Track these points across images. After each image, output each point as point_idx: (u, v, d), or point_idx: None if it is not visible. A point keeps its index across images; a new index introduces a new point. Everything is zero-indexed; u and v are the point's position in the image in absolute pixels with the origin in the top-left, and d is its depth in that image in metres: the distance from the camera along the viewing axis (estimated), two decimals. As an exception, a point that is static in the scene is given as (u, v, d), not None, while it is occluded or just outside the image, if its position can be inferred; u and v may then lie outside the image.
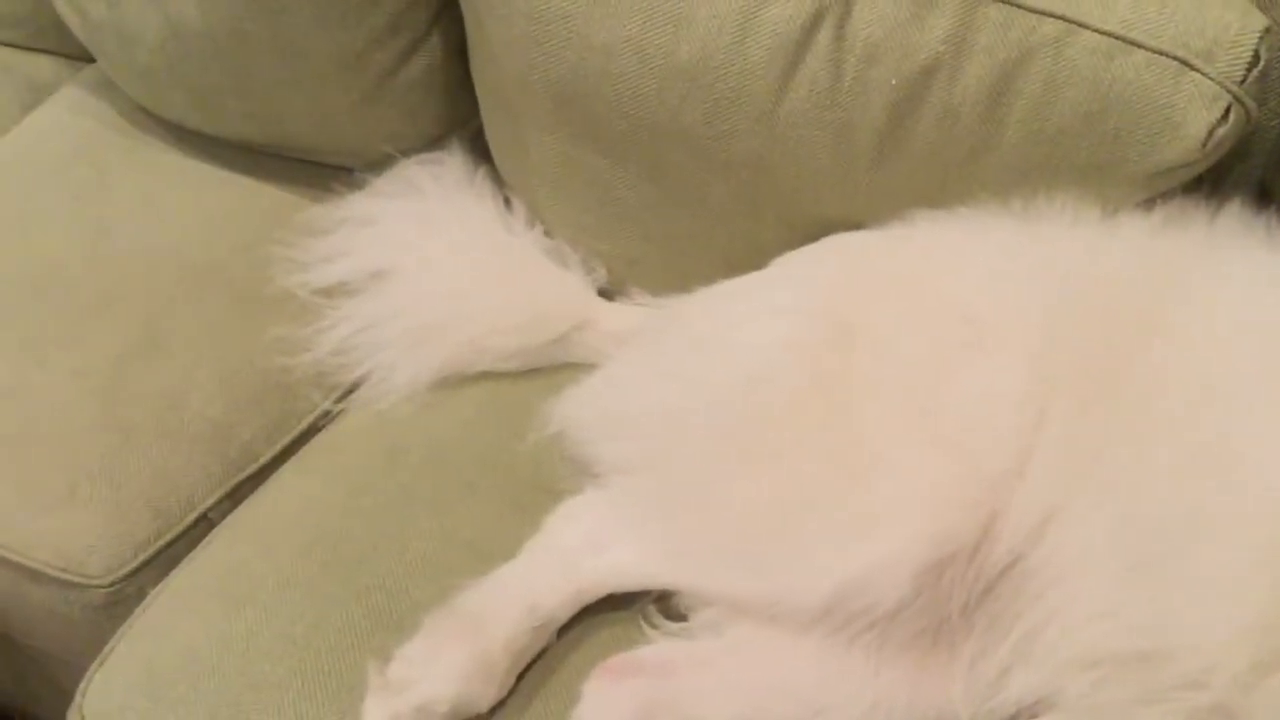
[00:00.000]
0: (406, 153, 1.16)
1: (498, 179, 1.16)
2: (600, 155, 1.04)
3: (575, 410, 0.96)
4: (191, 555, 0.97)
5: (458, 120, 1.19)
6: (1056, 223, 0.88)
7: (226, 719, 0.83)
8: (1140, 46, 0.85)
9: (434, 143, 1.18)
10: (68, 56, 1.50)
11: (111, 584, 0.97)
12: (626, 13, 0.94)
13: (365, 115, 1.17)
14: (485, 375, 1.06)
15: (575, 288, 1.09)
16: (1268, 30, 0.84)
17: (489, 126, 1.15)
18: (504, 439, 0.99)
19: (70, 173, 1.28)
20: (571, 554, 0.87)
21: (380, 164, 1.16)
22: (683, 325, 0.97)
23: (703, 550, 0.86)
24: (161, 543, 0.99)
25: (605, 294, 1.11)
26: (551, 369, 1.06)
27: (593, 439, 0.93)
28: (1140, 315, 0.81)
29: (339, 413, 1.08)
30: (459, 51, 1.13)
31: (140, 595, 0.96)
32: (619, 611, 0.88)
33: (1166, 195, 0.90)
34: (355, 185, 1.17)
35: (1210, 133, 0.85)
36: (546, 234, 1.13)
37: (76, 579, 0.97)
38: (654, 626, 0.86)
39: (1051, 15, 0.86)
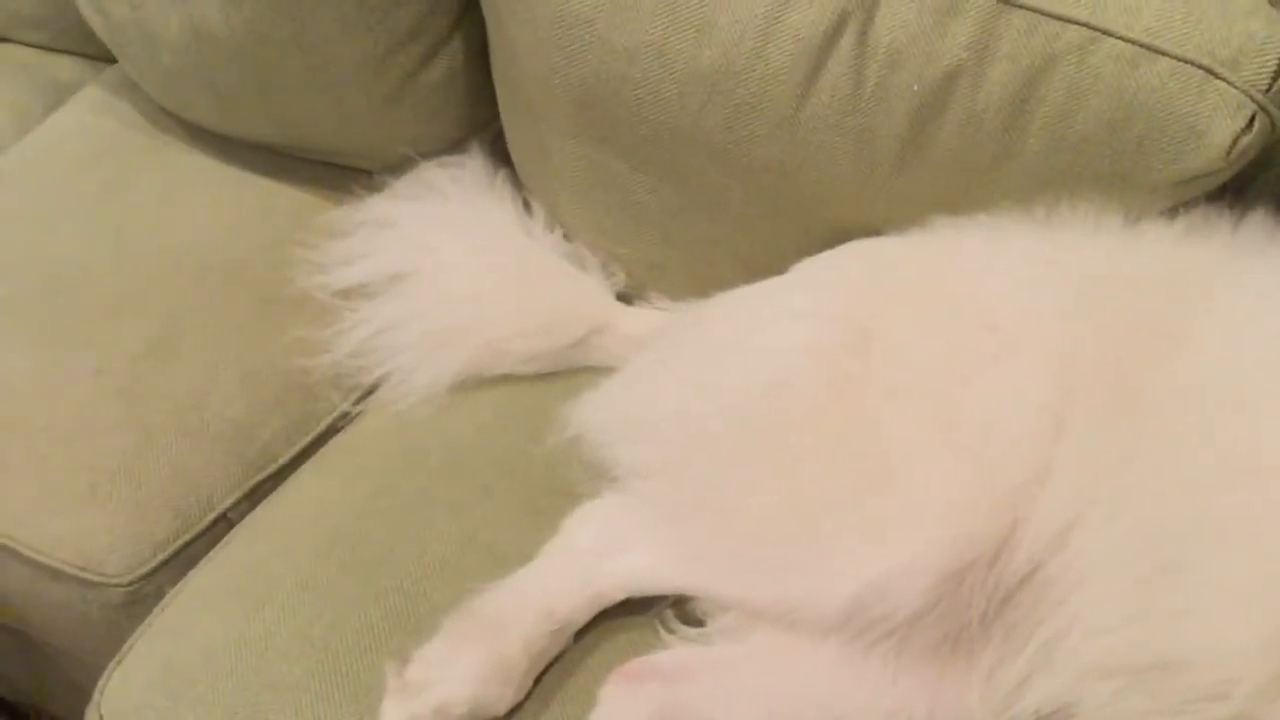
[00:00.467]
0: (427, 155, 1.16)
1: (517, 182, 1.17)
2: (621, 159, 1.04)
3: (593, 414, 0.96)
4: (210, 555, 0.97)
5: (478, 123, 1.20)
6: (1078, 230, 0.88)
7: (244, 718, 0.83)
8: (1165, 54, 0.84)
9: (454, 146, 1.18)
10: (90, 57, 1.51)
11: (130, 583, 0.97)
12: (649, 17, 0.94)
13: (386, 118, 1.17)
14: (504, 378, 1.06)
15: (594, 291, 1.09)
16: (1294, 38, 0.83)
17: (509, 130, 1.15)
18: (522, 442, 0.99)
19: (92, 173, 1.28)
20: (589, 558, 0.87)
21: (400, 166, 1.17)
22: (702, 330, 0.97)
23: (720, 555, 0.86)
24: (180, 542, 0.99)
25: (624, 298, 1.12)
26: (570, 372, 1.06)
27: (611, 443, 0.93)
28: (1162, 324, 0.81)
29: (358, 414, 1.09)
30: (480, 55, 1.14)
31: (159, 594, 0.96)
32: (636, 616, 0.87)
33: (1189, 204, 0.90)
34: (375, 187, 1.17)
35: (1234, 141, 0.84)
36: (566, 237, 1.14)
37: (95, 578, 0.97)
38: (671, 631, 0.86)
39: (1075, 22, 0.85)
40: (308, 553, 0.93)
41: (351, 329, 1.08)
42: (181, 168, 1.28)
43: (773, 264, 0.99)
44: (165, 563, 0.98)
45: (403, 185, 1.16)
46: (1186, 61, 0.84)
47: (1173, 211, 0.89)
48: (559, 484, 0.94)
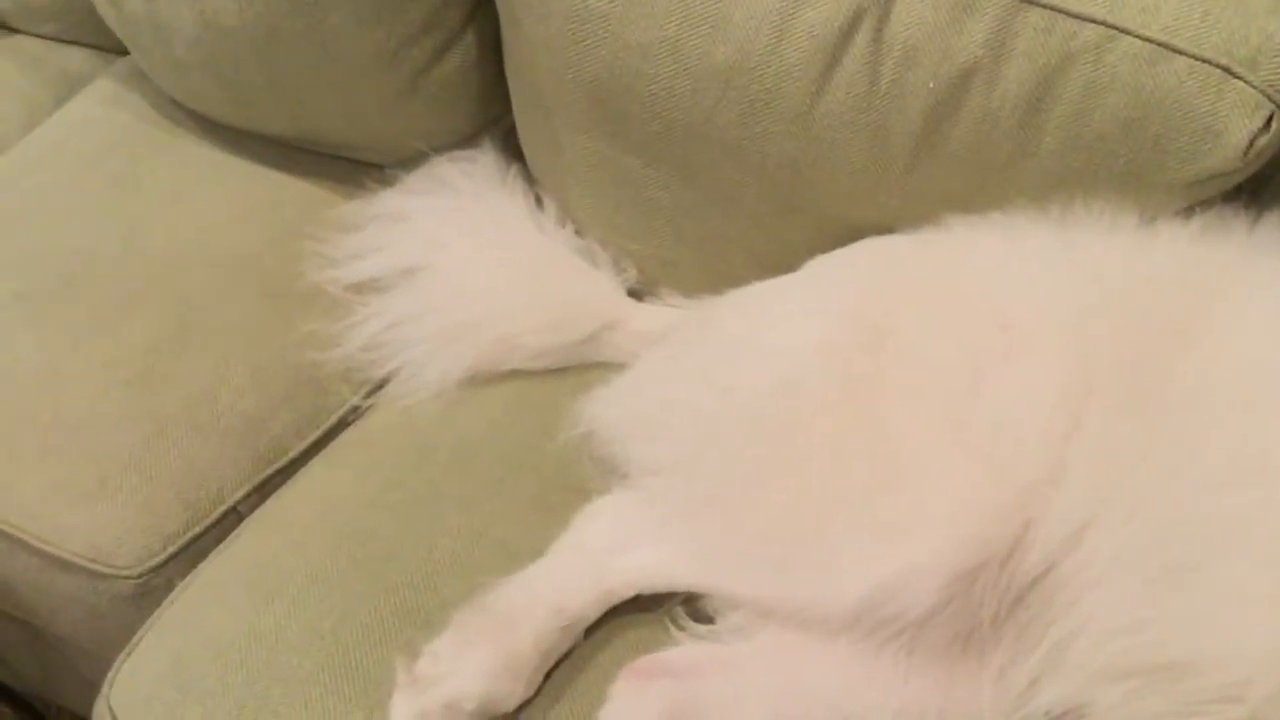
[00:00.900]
0: (439, 150, 1.16)
1: (529, 177, 1.16)
2: (634, 155, 1.04)
3: (604, 410, 0.96)
4: (220, 548, 0.97)
5: (490, 118, 1.20)
6: (1094, 229, 0.87)
7: (254, 712, 0.83)
8: (1183, 53, 0.84)
9: (466, 140, 1.18)
10: (101, 49, 1.51)
11: (140, 575, 0.97)
12: (663, 13, 0.94)
13: (398, 112, 1.17)
14: (514, 374, 1.06)
15: (606, 287, 1.09)
16: (1313, 38, 0.83)
17: (522, 125, 1.15)
18: (532, 438, 0.99)
19: (103, 165, 1.28)
20: (600, 554, 0.87)
21: (412, 161, 1.17)
22: (713, 327, 0.97)
23: (731, 553, 0.85)
24: (190, 535, 0.99)
25: (635, 294, 1.11)
26: (581, 368, 1.06)
27: (621, 439, 0.93)
28: (1177, 324, 0.80)
29: (368, 408, 1.09)
30: (493, 49, 1.13)
31: (168, 587, 0.96)
32: (646, 613, 0.87)
33: (1205, 203, 0.89)
34: (387, 182, 1.17)
35: (1252, 142, 0.84)
36: (577, 233, 1.13)
37: (105, 569, 0.97)
38: (681, 629, 0.86)
39: (1093, 20, 0.85)
40: (318, 546, 0.93)
41: (362, 323, 1.08)
42: (193, 160, 1.28)
43: (785, 261, 0.99)
44: (175, 555, 0.98)
45: (414, 180, 1.16)
46: (1204, 61, 0.83)
47: (1188, 211, 0.89)
48: (569, 480, 0.94)
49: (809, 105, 0.93)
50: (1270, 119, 0.83)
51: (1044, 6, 0.86)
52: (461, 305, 1.07)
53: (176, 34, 1.18)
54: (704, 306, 1.01)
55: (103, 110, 1.37)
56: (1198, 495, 0.74)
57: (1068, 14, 0.85)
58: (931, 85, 0.89)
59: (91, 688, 0.91)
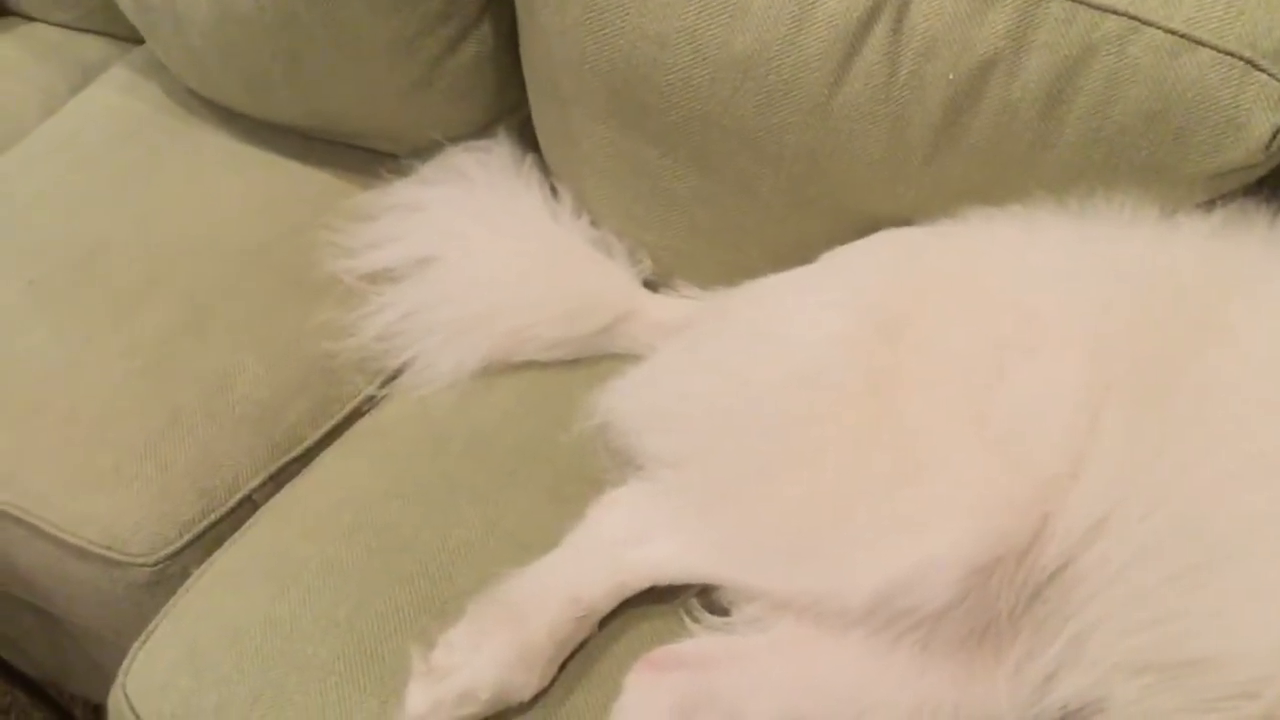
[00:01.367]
0: (454, 140, 1.16)
1: (545, 168, 1.16)
2: (650, 145, 1.04)
3: (619, 402, 0.95)
4: (235, 536, 0.97)
5: (506, 108, 1.19)
6: (1114, 222, 0.87)
7: (269, 700, 0.84)
8: (1205, 45, 0.83)
9: (482, 130, 1.18)
10: (117, 37, 1.52)
11: (155, 563, 0.97)
12: (682, 2, 0.94)
13: (414, 101, 1.17)
14: (529, 364, 1.06)
15: (621, 278, 1.09)
16: (1337, 32, 0.82)
17: (537, 115, 1.14)
18: (547, 429, 0.99)
19: (118, 154, 1.28)
20: (614, 546, 0.87)
21: (428, 151, 1.16)
22: (730, 318, 0.97)
23: (747, 545, 0.85)
24: (206, 523, 0.99)
25: (651, 285, 1.11)
26: (596, 359, 1.06)
27: (637, 431, 0.93)
28: (1198, 317, 0.79)
29: (382, 398, 1.09)
30: (509, 39, 1.13)
31: (184, 575, 0.96)
32: (661, 605, 0.87)
33: (1227, 197, 0.89)
34: (402, 171, 1.17)
35: (1275, 135, 0.83)
36: (593, 224, 1.13)
37: (121, 557, 0.97)
38: (696, 621, 0.86)
39: (1115, 12, 0.84)
40: (333, 535, 0.93)
41: (377, 313, 1.08)
42: (208, 149, 1.28)
43: (802, 252, 0.98)
44: (190, 543, 0.99)
45: (430, 170, 1.16)
46: (1227, 53, 0.83)
47: (1209, 204, 0.88)
48: (584, 471, 0.94)
49: (827, 96, 0.93)
50: (1293, 112, 0.83)
51: (1066, -3, 0.85)
52: (476, 296, 1.07)
53: (192, 22, 1.18)
54: (720, 298, 1.00)
55: (118, 99, 1.37)
56: (1216, 491, 0.73)
57: (1089, 5, 0.85)
58: (951, 76, 0.89)
59: (107, 675, 0.91)
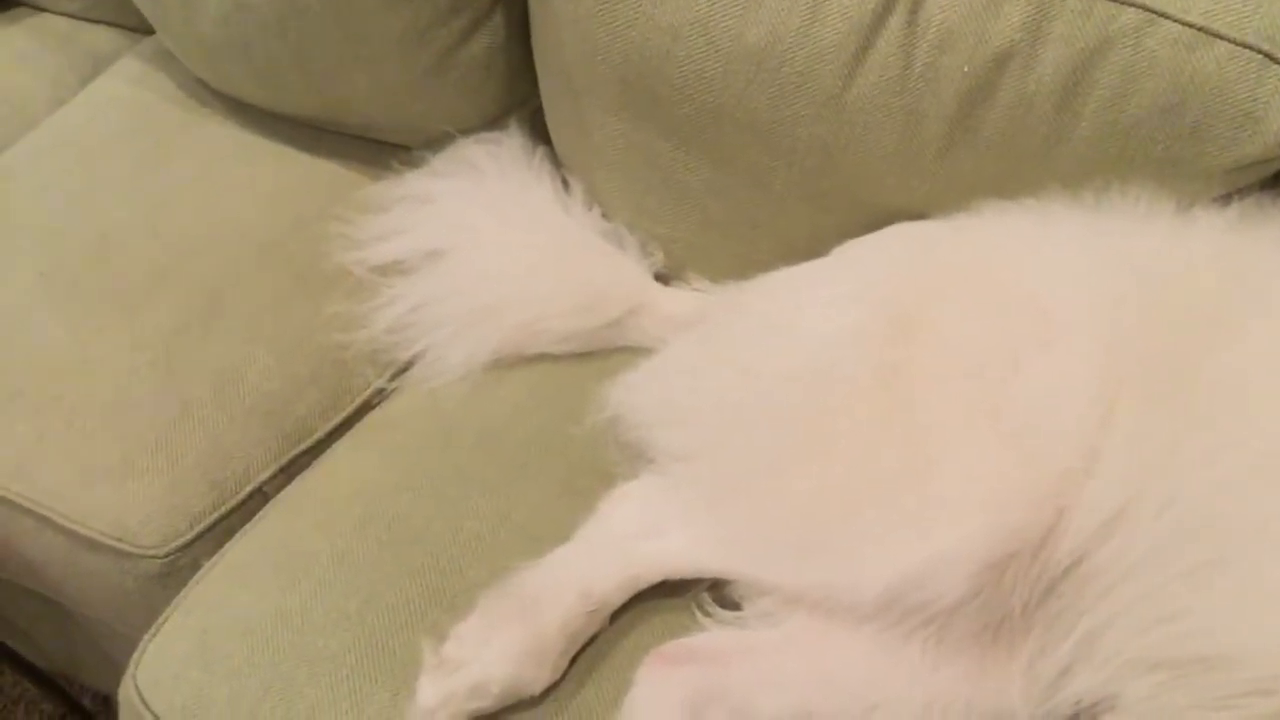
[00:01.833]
0: (465, 131, 1.15)
1: (556, 160, 1.16)
2: (663, 138, 1.03)
3: (631, 395, 0.95)
4: (246, 528, 0.97)
5: (517, 100, 1.19)
6: (1129, 217, 0.86)
7: (280, 692, 0.83)
8: (1223, 38, 0.83)
9: (493, 122, 1.18)
10: (127, 28, 1.51)
11: (166, 555, 0.97)
12: (695, -7, 0.93)
13: (425, 93, 1.16)
14: (540, 357, 1.06)
15: (632, 271, 1.08)
16: (1356, 25, 0.82)
17: (549, 106, 1.14)
18: (558, 422, 0.98)
19: (128, 145, 1.28)
20: (626, 539, 0.87)
21: (439, 142, 1.16)
22: (742, 312, 0.96)
23: (759, 540, 0.85)
24: (216, 515, 0.99)
25: (662, 278, 1.11)
26: (607, 353, 1.06)
27: (648, 424, 0.93)
28: (1214, 313, 0.79)
29: (393, 391, 1.08)
30: (521, 30, 1.13)
31: (194, 567, 0.96)
32: (673, 599, 0.87)
33: (1243, 191, 0.88)
34: (413, 163, 1.16)
35: (1293, 129, 0.83)
36: (604, 216, 1.13)
37: (131, 549, 0.97)
38: (708, 615, 0.86)
39: (1132, 4, 0.84)
40: (343, 528, 0.93)
41: (388, 305, 1.08)
42: (219, 141, 1.28)
43: (814, 246, 0.98)
44: (201, 535, 0.99)
45: (441, 161, 1.15)
46: (1244, 46, 0.82)
47: (1226, 198, 0.88)
48: (595, 465, 0.93)
49: (841, 88, 0.92)
50: (1312, 106, 0.82)
51: (1082, -11, 0.85)
52: (487, 288, 1.06)
53: (203, 13, 1.18)
54: (732, 291, 1.00)
55: (129, 90, 1.36)
56: (1231, 487, 0.73)
57: (1107, -2, 0.84)
58: (966, 69, 0.88)
59: (117, 667, 0.91)
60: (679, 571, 0.86)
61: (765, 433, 0.86)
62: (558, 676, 0.83)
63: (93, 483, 0.99)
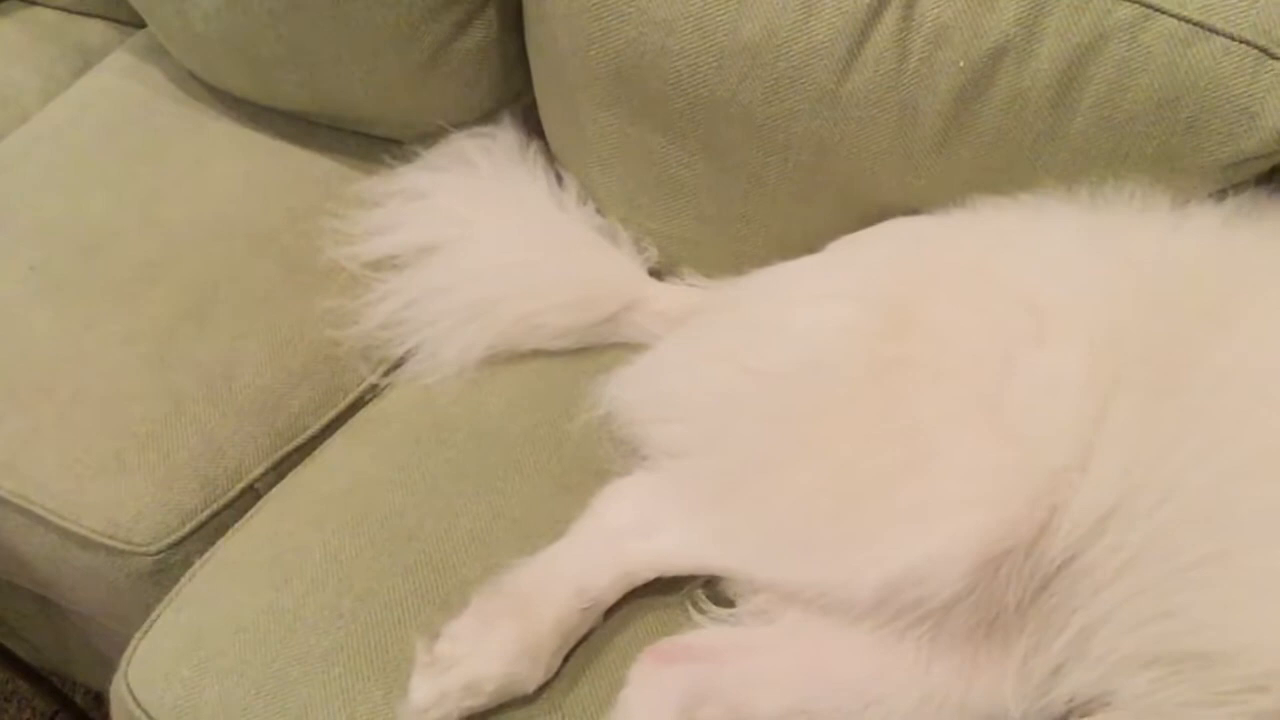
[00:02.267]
0: (458, 126, 1.15)
1: (550, 154, 1.15)
2: (657, 133, 1.03)
3: (625, 391, 0.95)
4: (238, 525, 0.97)
5: (510, 94, 1.18)
6: (1125, 212, 0.86)
7: (272, 690, 0.83)
8: (1219, 33, 0.82)
9: (486, 116, 1.17)
10: (118, 21, 1.50)
11: (158, 552, 0.97)
12: (689, -13, 0.93)
13: (418, 87, 1.16)
14: (534, 353, 1.06)
15: (626, 267, 1.08)
16: (1353, 19, 0.81)
17: (542, 101, 1.14)
18: (552, 418, 0.98)
19: (120, 139, 1.27)
20: (620, 536, 0.86)
21: (432, 137, 1.16)
22: (737, 308, 0.96)
23: (753, 536, 0.85)
24: (208, 512, 0.99)
25: (656, 274, 1.10)
26: (601, 348, 1.05)
27: (642, 420, 0.93)
28: (1209, 308, 0.79)
29: (386, 387, 1.08)
30: (515, 24, 1.12)
31: (186, 564, 0.96)
32: (667, 596, 0.87)
33: (1239, 186, 0.88)
34: (406, 158, 1.16)
35: (1289, 124, 0.83)
36: (598, 211, 1.12)
37: (123, 546, 0.97)
38: (702, 612, 0.86)
39: (1128, -1, 0.84)
40: (336, 525, 0.92)
41: (381, 301, 1.07)
42: (211, 135, 1.27)
43: (808, 242, 0.98)
44: (193, 532, 0.98)
45: (434, 156, 1.15)
46: (1241, 41, 0.82)
47: (1221, 194, 0.88)
48: (589, 461, 0.93)
49: (836, 83, 0.92)
50: (1307, 101, 0.82)
51: (1078, -16, 0.84)
52: (481, 284, 1.06)
53: (195, 6, 1.17)
54: (727, 287, 1.00)
55: (120, 83, 1.36)
56: (1227, 483, 0.73)
57: (1102, -8, 0.84)
58: (962, 64, 0.88)
59: (109, 664, 0.91)
60: (673, 568, 0.86)
61: (759, 429, 0.86)
62: (551, 674, 0.83)
63: (84, 479, 0.99)
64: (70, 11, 1.53)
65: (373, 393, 1.08)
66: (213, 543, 0.96)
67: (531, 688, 0.81)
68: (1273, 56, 0.82)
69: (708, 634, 0.84)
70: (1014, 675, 0.79)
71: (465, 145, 1.14)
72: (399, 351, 1.07)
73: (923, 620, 0.79)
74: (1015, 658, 0.80)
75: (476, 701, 0.80)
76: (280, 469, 1.02)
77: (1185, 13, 0.83)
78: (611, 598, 0.86)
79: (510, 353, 1.05)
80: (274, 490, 1.00)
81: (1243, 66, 0.82)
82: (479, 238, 1.09)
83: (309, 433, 1.05)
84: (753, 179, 1.01)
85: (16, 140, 1.31)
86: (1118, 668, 0.74)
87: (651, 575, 0.86)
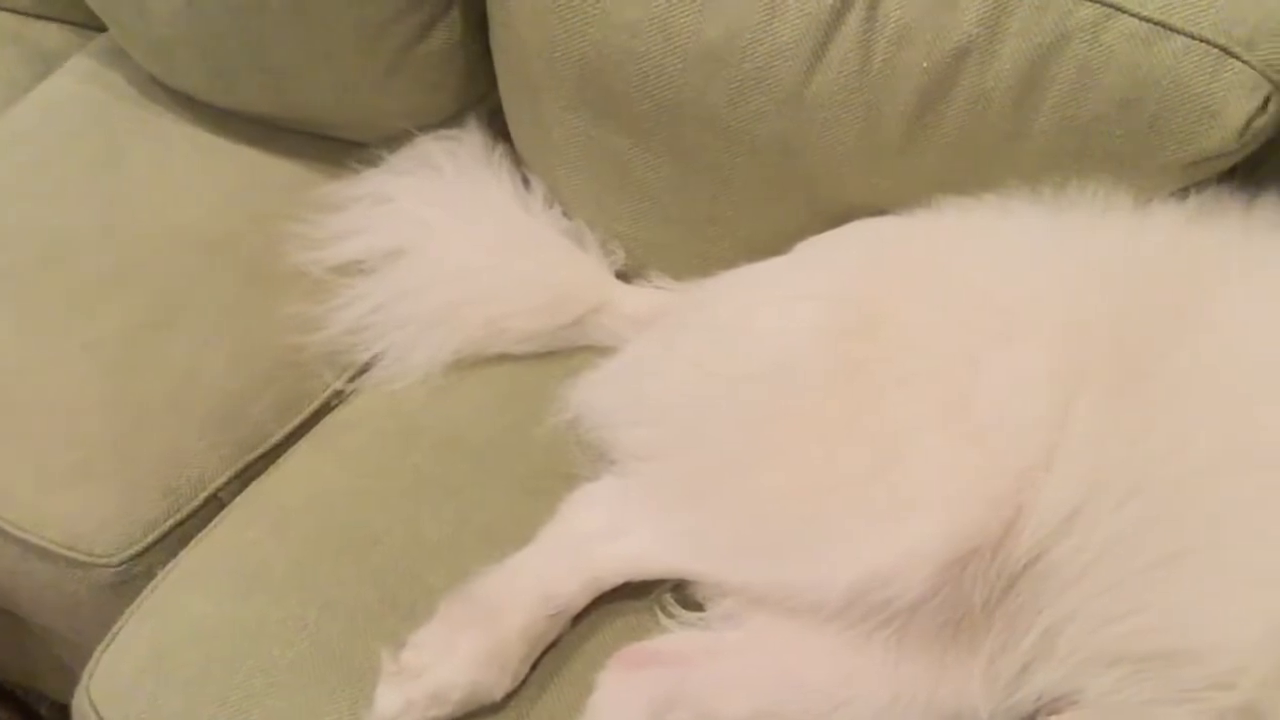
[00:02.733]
0: (423, 129, 1.14)
1: (516, 157, 1.14)
2: (622, 135, 1.02)
3: (593, 395, 0.95)
4: (201, 535, 0.96)
5: (476, 96, 1.18)
6: (1088, 211, 0.87)
7: (236, 702, 0.82)
8: (1180, 33, 0.83)
9: (451, 119, 1.16)
10: (78, 25, 1.48)
11: (120, 563, 0.96)
12: (653, -11, 0.92)
13: (383, 90, 1.15)
14: (501, 358, 1.05)
15: (593, 269, 1.08)
16: (1311, 18, 0.82)
17: (508, 103, 1.13)
18: (520, 423, 0.98)
19: (82, 144, 1.26)
20: (588, 541, 0.86)
21: (396, 140, 1.15)
22: (704, 310, 0.96)
23: (721, 540, 0.85)
24: (171, 522, 0.98)
25: (623, 276, 1.10)
26: (568, 352, 1.05)
27: (610, 424, 0.92)
28: (1173, 306, 0.79)
29: (351, 393, 1.07)
30: (479, 26, 1.11)
31: (149, 575, 0.95)
32: (635, 601, 0.86)
33: (1200, 185, 0.89)
34: (371, 161, 1.15)
35: (1249, 122, 0.83)
36: (565, 214, 1.12)
37: (85, 557, 0.96)
38: (670, 616, 0.85)
39: (1089, -1, 0.84)
40: (301, 534, 0.91)
41: (346, 306, 1.06)
42: (174, 139, 1.26)
43: (775, 243, 0.98)
44: (155, 543, 0.97)
45: (399, 159, 1.14)
46: (1201, 40, 0.82)
47: (1184, 192, 0.88)
48: (557, 466, 0.93)
49: (800, 85, 0.92)
50: (1267, 99, 0.83)
51: (1040, -16, 0.84)
52: (447, 288, 1.05)
53: (155, 9, 1.16)
54: (694, 289, 1.00)
55: (81, 88, 1.34)
56: (1191, 481, 0.73)
57: (1063, -8, 0.84)
58: (925, 65, 0.88)
59: (71, 676, 0.90)
60: (641, 573, 0.86)
61: (727, 432, 0.86)
62: (519, 682, 0.82)
63: (45, 490, 0.98)
64: (28, 15, 1.51)
65: (338, 399, 1.07)
66: (176, 553, 0.95)
67: (499, 695, 0.81)
68: (1233, 55, 0.82)
69: (676, 638, 0.84)
70: (981, 675, 0.79)
71: (430, 148, 1.13)
72: (364, 357, 1.06)
73: (890, 621, 0.79)
74: (982, 657, 0.80)
75: (443, 711, 0.79)
76: (244, 477, 1.01)
77: (1146, 12, 0.83)
78: (580, 604, 0.85)
79: (477, 357, 1.05)
80: (237, 499, 0.99)
81: (1203, 65, 0.83)
82: (444, 241, 1.08)
83: (272, 441, 1.03)
84: (719, 181, 1.01)
85: (-25, 146, 1.30)
86: (1083, 666, 0.74)
87: (620, 580, 0.86)
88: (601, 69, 0.98)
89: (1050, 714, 0.76)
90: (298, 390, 1.06)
